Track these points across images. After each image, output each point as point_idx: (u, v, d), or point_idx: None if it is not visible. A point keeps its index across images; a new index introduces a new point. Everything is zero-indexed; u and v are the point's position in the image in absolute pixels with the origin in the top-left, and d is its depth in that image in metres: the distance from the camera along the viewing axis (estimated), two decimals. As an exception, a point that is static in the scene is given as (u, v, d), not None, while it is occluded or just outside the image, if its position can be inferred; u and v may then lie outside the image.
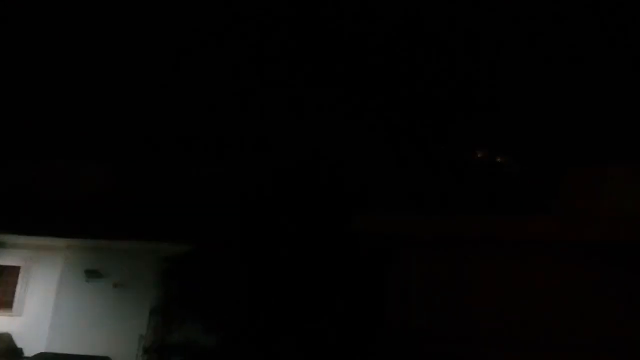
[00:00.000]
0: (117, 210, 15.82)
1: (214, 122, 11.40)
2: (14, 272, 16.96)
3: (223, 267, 13.86)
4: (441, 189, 12.00)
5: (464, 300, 11.50)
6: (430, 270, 11.82)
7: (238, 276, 13.52)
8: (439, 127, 12.26)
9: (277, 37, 10.04)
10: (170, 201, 15.41)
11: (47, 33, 10.55)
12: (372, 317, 11.92)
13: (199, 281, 14.10)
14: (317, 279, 12.68)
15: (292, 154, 12.79)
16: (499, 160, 12.45)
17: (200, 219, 14.19)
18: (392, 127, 12.28)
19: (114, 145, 15.11)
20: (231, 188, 13.77)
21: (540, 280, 11.09)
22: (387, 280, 11.95)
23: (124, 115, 13.84)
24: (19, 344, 16.07)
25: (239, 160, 13.44)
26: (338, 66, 9.53)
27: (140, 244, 16.03)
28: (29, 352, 15.68)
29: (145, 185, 15.94)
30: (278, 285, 12.94)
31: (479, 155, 12.48)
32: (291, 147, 12.06)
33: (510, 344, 10.93)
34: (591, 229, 10.69)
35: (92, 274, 16.50)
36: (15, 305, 16.73)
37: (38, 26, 10.32)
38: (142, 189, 15.96)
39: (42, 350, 15.39)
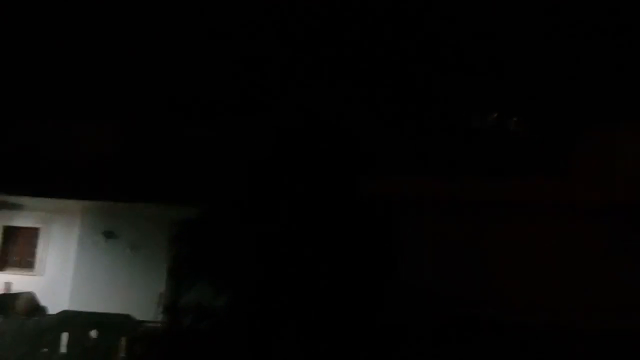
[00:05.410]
0: (130, 172, 15.95)
1: (222, 84, 11.32)
2: (33, 233, 17.31)
3: (234, 228, 13.95)
4: (452, 152, 11.87)
5: (475, 261, 11.52)
6: (442, 232, 11.85)
7: (248, 237, 13.60)
8: (449, 89, 12.08)
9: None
10: (181, 163, 15.49)
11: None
12: (383, 279, 11.97)
13: (207, 244, 14.22)
14: (327, 240, 12.70)
15: (301, 115, 12.71)
16: (511, 121, 12.27)
17: (211, 180, 14.26)
18: (402, 89, 12.12)
19: (126, 107, 15.12)
20: (240, 150, 13.77)
21: (552, 242, 11.05)
22: (398, 242, 11.99)
23: (137, 76, 13.79)
24: (42, 303, 16.48)
25: (248, 122, 13.41)
26: (343, 27, 9.37)
27: (154, 206, 16.17)
28: (51, 311, 16.04)
29: (157, 147, 16.00)
30: (288, 246, 12.98)
31: (492, 117, 12.31)
32: (300, 109, 11.96)
33: (523, 305, 10.97)
34: (604, 190, 10.59)
35: (109, 235, 16.75)
36: (36, 265, 17.12)
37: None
38: (153, 150, 16.04)
39: (64, 308, 15.72)
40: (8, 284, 16.61)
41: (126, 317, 15.03)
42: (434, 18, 9.13)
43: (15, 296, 16.45)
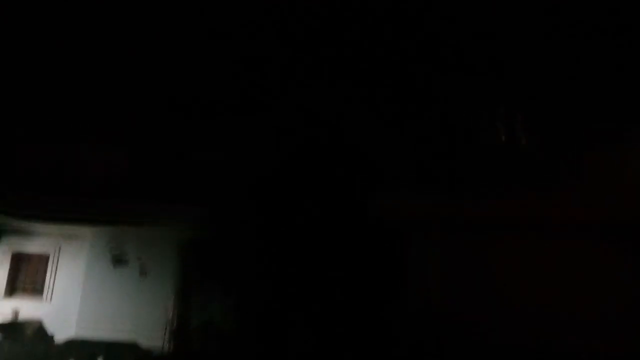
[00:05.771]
0: (138, 196, 15.94)
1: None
2: (43, 259, 17.26)
3: (242, 250, 13.89)
4: (461, 170, 11.77)
5: (485, 282, 11.28)
6: (451, 252, 11.65)
7: (257, 259, 13.53)
8: (458, 105, 12.03)
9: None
10: (190, 184, 15.46)
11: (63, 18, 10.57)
12: (393, 300, 11.78)
13: (217, 265, 14.16)
14: (337, 261, 12.62)
15: (312, 136, 12.68)
16: (520, 140, 12.16)
17: (220, 202, 14.22)
18: (410, 109, 12.10)
19: (133, 130, 15.16)
20: (249, 172, 13.74)
21: (561, 262, 10.81)
22: (408, 263, 11.82)
23: (142, 96, 13.83)
24: (49, 330, 16.31)
25: (257, 142, 13.39)
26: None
27: (161, 230, 16.12)
28: (59, 337, 15.88)
29: (166, 170, 16.00)
30: (297, 267, 12.90)
31: (500, 135, 12.21)
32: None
33: (534, 326, 10.68)
34: (614, 208, 10.37)
35: (118, 260, 16.66)
36: (45, 292, 17.01)
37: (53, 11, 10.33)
38: (163, 173, 16.03)
39: (72, 335, 15.58)
40: (16, 311, 16.50)
41: (133, 344, 14.86)
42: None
43: (23, 323, 16.32)
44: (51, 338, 16.12)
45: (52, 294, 16.91)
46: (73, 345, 14.87)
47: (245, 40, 9.63)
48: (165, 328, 15.85)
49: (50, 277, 17.01)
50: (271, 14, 9.16)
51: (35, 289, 17.13)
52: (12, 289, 17.22)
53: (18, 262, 17.41)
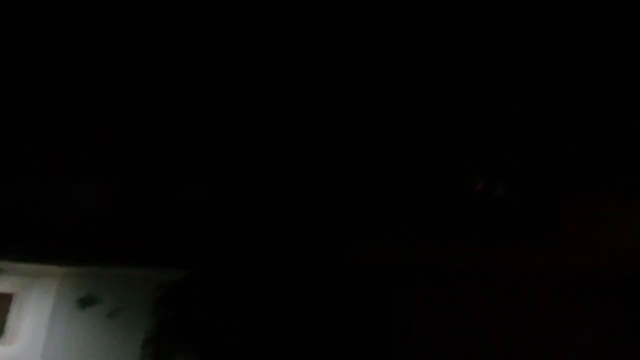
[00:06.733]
0: (112, 235, 15.53)
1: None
2: (6, 299, 16.48)
3: (217, 296, 13.64)
4: (440, 219, 11.79)
5: (467, 335, 11.14)
6: (431, 303, 11.50)
7: (232, 306, 13.28)
8: (435, 153, 12.12)
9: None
10: (164, 226, 15.17)
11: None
12: (371, 354, 11.58)
13: (192, 309, 13.86)
14: (313, 310, 12.46)
15: (285, 179, 12.63)
16: (497, 189, 12.27)
17: (195, 244, 14.00)
18: (386, 153, 12.14)
19: (106, 167, 14.86)
20: (224, 214, 13.57)
21: (544, 314, 10.75)
22: (386, 315, 11.64)
23: (117, 136, 13.61)
24: (10, 375, 15.54)
25: (230, 186, 13.26)
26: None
27: (135, 271, 15.66)
28: (20, 383, 15.14)
29: (140, 209, 15.69)
30: (273, 317, 12.69)
31: (478, 184, 12.31)
32: (284, 172, 11.87)
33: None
34: (591, 260, 10.41)
35: (85, 302, 16.05)
36: (7, 333, 16.19)
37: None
38: (136, 213, 15.71)
39: (35, 380, 14.83)
40: (-26, 355, 15.67)
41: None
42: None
43: (-19, 368, 15.52)
44: (12, 384, 15.36)
45: (15, 336, 16.12)
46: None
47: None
48: (132, 375, 15.27)
49: (14, 318, 16.22)
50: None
51: (-3, 330, 16.34)
52: (-30, 331, 16.38)
53: (-21, 302, 16.63)
